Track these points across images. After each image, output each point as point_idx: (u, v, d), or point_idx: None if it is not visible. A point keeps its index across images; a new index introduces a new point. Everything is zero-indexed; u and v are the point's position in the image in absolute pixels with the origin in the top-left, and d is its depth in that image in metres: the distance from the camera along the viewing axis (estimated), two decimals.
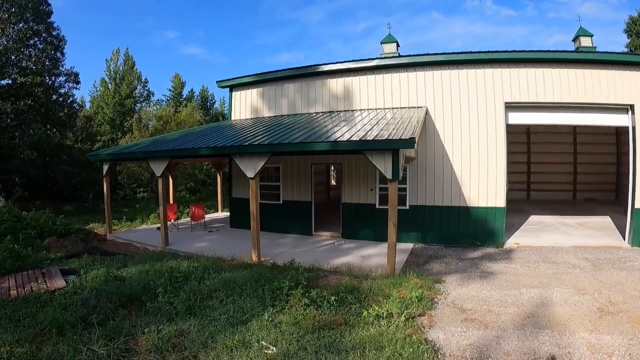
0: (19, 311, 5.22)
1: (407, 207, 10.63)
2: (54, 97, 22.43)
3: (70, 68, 23.05)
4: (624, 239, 10.06)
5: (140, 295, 5.79)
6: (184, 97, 40.46)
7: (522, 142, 17.94)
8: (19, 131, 20.40)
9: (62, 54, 22.49)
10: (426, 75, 10.69)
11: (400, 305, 5.32)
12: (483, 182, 10.22)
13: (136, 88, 34.12)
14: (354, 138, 7.29)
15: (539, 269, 7.88)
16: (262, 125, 10.94)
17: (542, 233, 11.12)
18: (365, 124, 8.86)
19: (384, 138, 6.95)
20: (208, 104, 43.31)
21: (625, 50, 25.87)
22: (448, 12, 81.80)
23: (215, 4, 79.66)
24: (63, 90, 23.06)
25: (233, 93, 13.54)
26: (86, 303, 5.42)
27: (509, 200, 10.77)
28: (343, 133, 8.19)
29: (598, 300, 5.98)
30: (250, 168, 8.48)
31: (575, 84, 9.88)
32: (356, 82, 11.43)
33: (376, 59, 11.18)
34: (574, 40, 12.82)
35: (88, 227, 13.88)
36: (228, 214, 16.51)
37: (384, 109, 10.98)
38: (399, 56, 10.80)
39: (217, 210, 17.87)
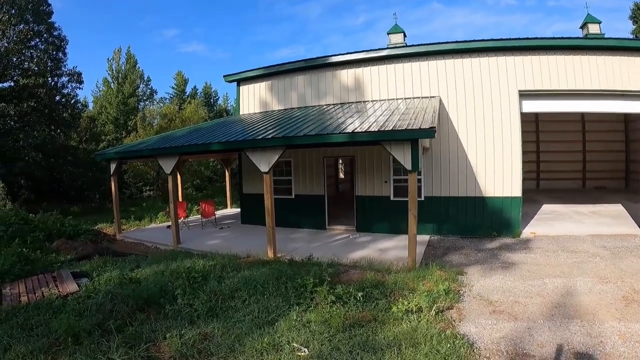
0: (31, 319, 4.98)
1: (422, 198, 10.46)
2: (57, 97, 22.30)
3: (73, 68, 22.97)
4: None
5: (158, 297, 5.57)
6: (187, 94, 40.26)
7: (531, 130, 17.71)
8: (23, 133, 20.29)
9: (64, 54, 22.38)
10: (438, 64, 10.48)
11: (429, 299, 5.19)
12: (499, 172, 10.06)
13: (139, 87, 33.92)
14: (372, 128, 7.11)
15: (558, 259, 7.80)
16: (272, 119, 10.77)
17: (557, 222, 10.99)
18: (381, 115, 8.67)
19: (403, 128, 6.77)
20: (212, 100, 43.09)
21: (631, 36, 25.50)
22: (449, 2, 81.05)
23: (214, 1, 78.99)
24: (66, 91, 22.95)
25: (240, 87, 13.33)
26: (101, 308, 5.20)
27: None
28: (361, 123, 8.00)
29: (622, 288, 5.92)
30: (264, 162, 8.31)
31: (589, 71, 9.70)
32: (367, 73, 11.22)
33: (387, 48, 10.97)
34: (581, 27, 12.64)
35: (96, 227, 13.78)
36: (237, 210, 16.44)
37: (396, 99, 10.79)
38: (410, 45, 10.59)
39: (226, 207, 17.77)
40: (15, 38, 19.64)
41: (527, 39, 9.94)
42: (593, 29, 12.00)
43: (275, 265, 7.12)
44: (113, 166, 12.11)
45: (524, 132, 10.43)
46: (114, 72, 33.08)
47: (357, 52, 11.11)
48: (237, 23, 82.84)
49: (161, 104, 33.25)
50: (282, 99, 12.54)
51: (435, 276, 6.34)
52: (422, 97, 10.55)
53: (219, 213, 15.69)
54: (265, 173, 8.38)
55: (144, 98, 34.76)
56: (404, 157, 6.96)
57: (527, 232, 10.12)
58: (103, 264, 8.01)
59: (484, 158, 10.14)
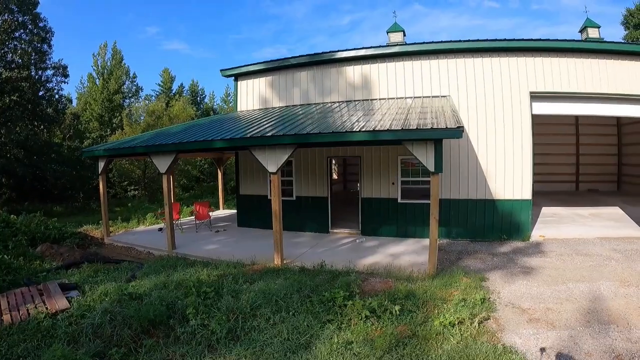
0: (16, 346, 4.23)
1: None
2: (41, 92, 21.36)
3: (59, 61, 22.01)
4: None
5: (166, 317, 4.89)
6: (173, 91, 39.14)
7: None
8: (5, 129, 19.25)
9: (50, 46, 21.42)
10: (449, 62, 10.18)
11: (467, 310, 4.81)
12: (509, 174, 9.84)
13: (124, 83, 32.73)
14: (394, 127, 6.67)
15: (575, 262, 7.72)
16: (275, 115, 10.21)
17: (562, 225, 10.91)
18: (396, 113, 8.26)
19: (428, 127, 6.38)
20: (198, 98, 42.02)
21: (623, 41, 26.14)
22: (431, 5, 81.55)
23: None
24: (50, 85, 22.07)
25: (239, 82, 12.69)
26: (99, 331, 4.50)
27: None
28: (378, 121, 7.58)
29: None
30: (273, 162, 7.77)
31: (599, 74, 9.62)
32: (375, 70, 10.80)
33: (397, 45, 10.63)
34: (580, 31, 12.66)
35: (82, 229, 12.94)
36: (231, 211, 15.81)
37: (405, 97, 10.41)
38: (421, 43, 10.21)
39: (218, 208, 17.07)
40: None
41: (539, 40, 9.77)
42: (592, 33, 12.03)
43: (289, 274, 6.60)
44: (102, 164, 11.34)
45: None
46: (99, 67, 31.81)
47: (365, 48, 10.67)
48: (221, 22, 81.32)
49: (147, 102, 32.06)
50: (283, 96, 11.99)
51: (463, 284, 5.98)
52: (432, 97, 10.22)
53: (212, 215, 15.02)
54: (273, 173, 7.84)
55: (130, 95, 33.60)
56: (426, 158, 6.57)
57: (535, 235, 9.97)
58: (94, 273, 7.33)
59: (494, 160, 9.89)
